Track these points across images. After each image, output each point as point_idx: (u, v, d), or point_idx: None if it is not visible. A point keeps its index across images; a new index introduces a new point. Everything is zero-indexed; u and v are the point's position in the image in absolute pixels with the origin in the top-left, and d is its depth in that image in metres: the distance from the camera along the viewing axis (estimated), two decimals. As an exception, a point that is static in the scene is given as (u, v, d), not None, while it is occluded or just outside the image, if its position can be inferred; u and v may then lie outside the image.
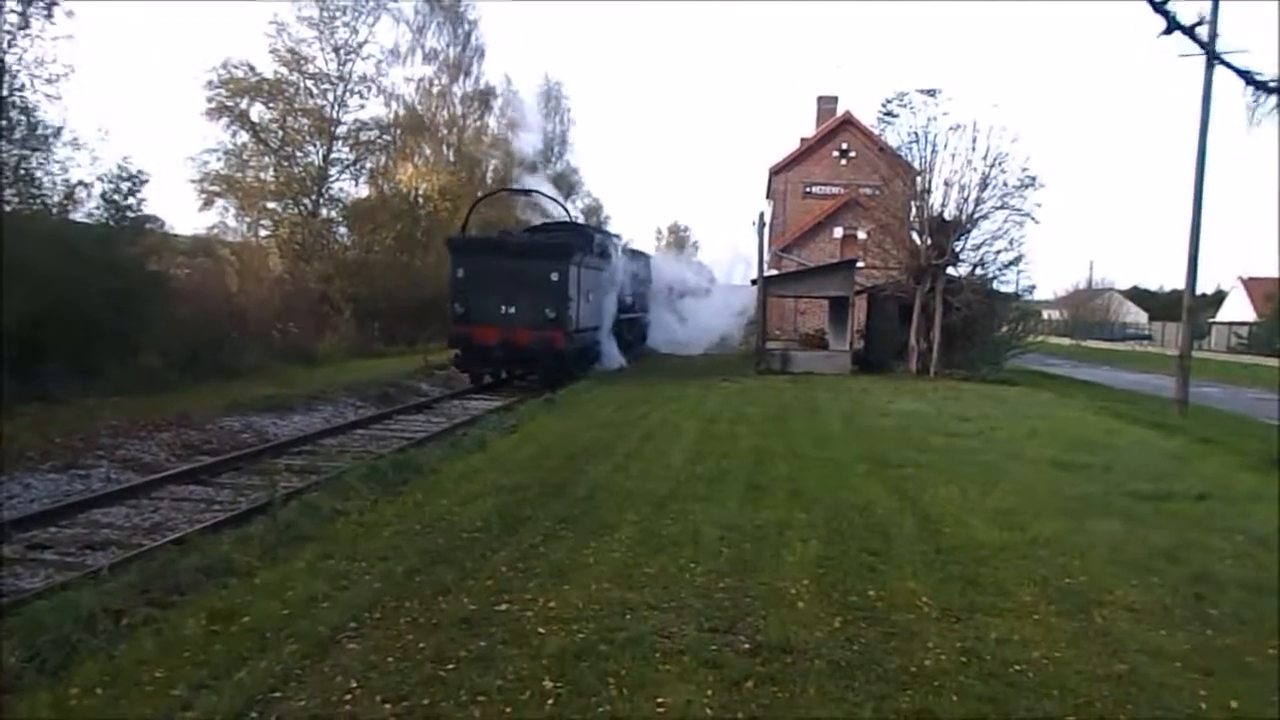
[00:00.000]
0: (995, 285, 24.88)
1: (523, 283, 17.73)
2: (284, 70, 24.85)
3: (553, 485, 8.64)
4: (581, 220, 23.01)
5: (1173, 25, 4.00)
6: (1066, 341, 56.47)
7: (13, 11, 14.46)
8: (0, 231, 12.26)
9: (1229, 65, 4.19)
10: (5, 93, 14.32)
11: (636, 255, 29.26)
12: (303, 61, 24.99)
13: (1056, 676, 4.65)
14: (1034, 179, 23.13)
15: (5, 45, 14.41)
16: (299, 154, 25.49)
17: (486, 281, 17.80)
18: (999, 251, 24.00)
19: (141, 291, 15.28)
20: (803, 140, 41.32)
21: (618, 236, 27.19)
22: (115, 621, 5.09)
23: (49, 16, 14.80)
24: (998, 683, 4.56)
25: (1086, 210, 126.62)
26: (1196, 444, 13.13)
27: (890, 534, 7.25)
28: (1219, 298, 72.91)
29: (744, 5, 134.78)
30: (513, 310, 17.79)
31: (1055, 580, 6.19)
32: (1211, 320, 64.04)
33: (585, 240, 21.16)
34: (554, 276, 17.82)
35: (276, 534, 6.81)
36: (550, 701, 4.23)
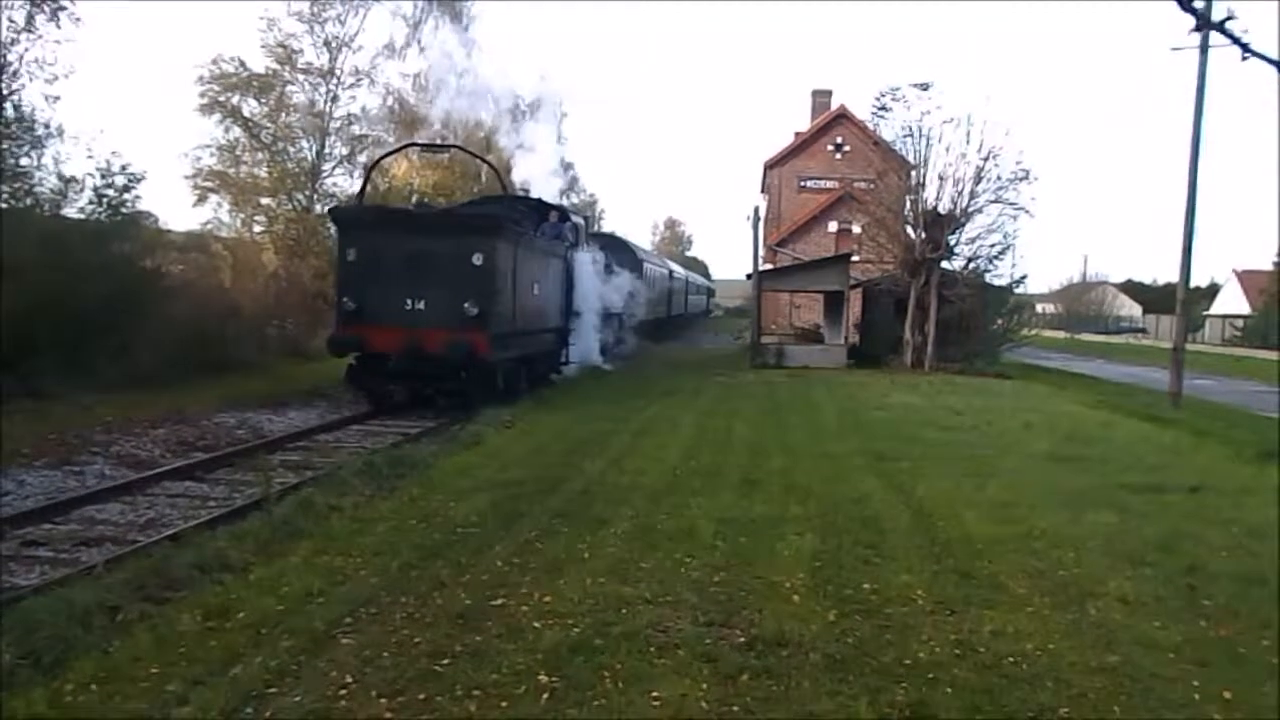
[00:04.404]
0: (989, 278, 24.95)
1: (434, 269, 13.27)
2: (275, 65, 24.77)
3: (548, 480, 8.64)
4: (538, 196, 19.27)
5: (1203, 22, 4.00)
6: (1061, 335, 56.54)
7: (20, 8, 14.44)
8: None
9: (1262, 56, 4.19)
10: (4, 90, 14.29)
11: (611, 241, 25.91)
12: (294, 56, 24.90)
13: (1050, 668, 4.67)
14: (1028, 172, 23.24)
15: (8, 44, 14.40)
16: (292, 149, 25.41)
17: (386, 267, 13.37)
18: (993, 245, 24.11)
19: (135, 288, 15.25)
20: (797, 134, 41.33)
21: (582, 216, 23.02)
22: (110, 618, 5.08)
23: (54, 20, 14.80)
24: (992, 675, 4.57)
25: (1080, 204, 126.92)
26: (1191, 436, 13.17)
27: (885, 527, 7.27)
28: (1213, 290, 73.08)
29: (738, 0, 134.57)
30: (421, 306, 13.38)
31: (1049, 573, 6.22)
32: (1206, 313, 64.19)
33: (527, 215, 16.80)
34: (477, 260, 13.28)
35: (272, 530, 6.79)
36: (546, 696, 4.23)
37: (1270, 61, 4.05)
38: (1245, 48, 3.94)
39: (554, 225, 17.89)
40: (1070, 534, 7.20)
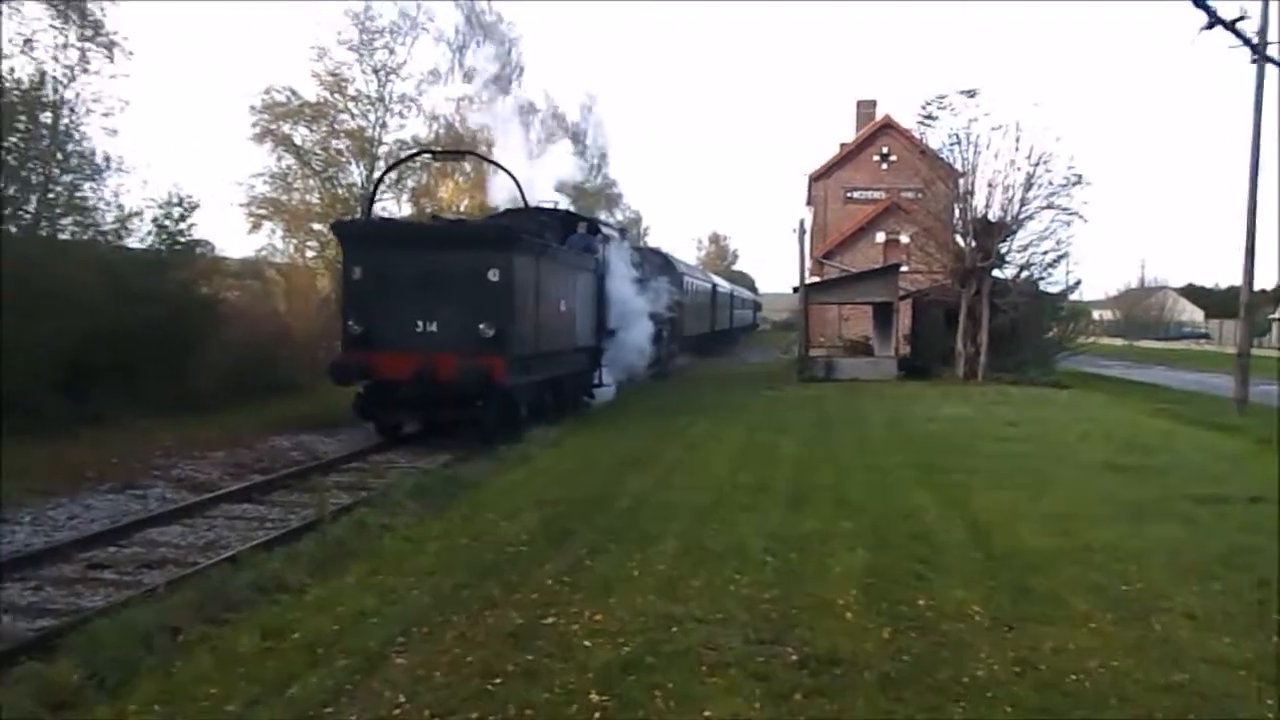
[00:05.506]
0: (1042, 285, 24.51)
1: (447, 286, 12.22)
2: (325, 93, 25.36)
3: (596, 498, 8.66)
4: (565, 206, 18.09)
5: (1214, 20, 3.94)
6: (1119, 342, 55.25)
7: (72, 47, 15.00)
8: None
9: (1271, 60, 4.08)
10: (62, 126, 14.83)
11: (649, 255, 24.20)
12: (343, 84, 25.47)
13: (1114, 686, 4.54)
14: (1080, 177, 22.81)
15: (64, 82, 14.96)
16: (341, 175, 25.94)
17: (394, 286, 12.38)
18: (1046, 252, 23.68)
19: (192, 314, 15.65)
20: (842, 145, 41.10)
21: (617, 228, 21.17)
22: (172, 638, 5.19)
23: (109, 57, 15.37)
24: (1053, 693, 4.47)
25: (1137, 207, 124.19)
26: (1257, 445, 12.76)
27: (939, 542, 7.16)
28: (1278, 294, 70.81)
29: (780, 12, 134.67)
30: (433, 327, 12.31)
31: (1111, 587, 6.07)
32: (1272, 317, 62.26)
33: (551, 227, 15.64)
34: (492, 275, 12.21)
35: (326, 550, 6.90)
36: (597, 715, 4.23)
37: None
38: (1256, 49, 3.85)
39: (583, 237, 16.80)
40: (1132, 547, 7.02)
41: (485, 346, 12.10)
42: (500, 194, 18.82)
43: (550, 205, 17.03)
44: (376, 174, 25.84)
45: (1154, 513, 8.16)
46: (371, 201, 16.94)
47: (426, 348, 12.15)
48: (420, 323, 12.33)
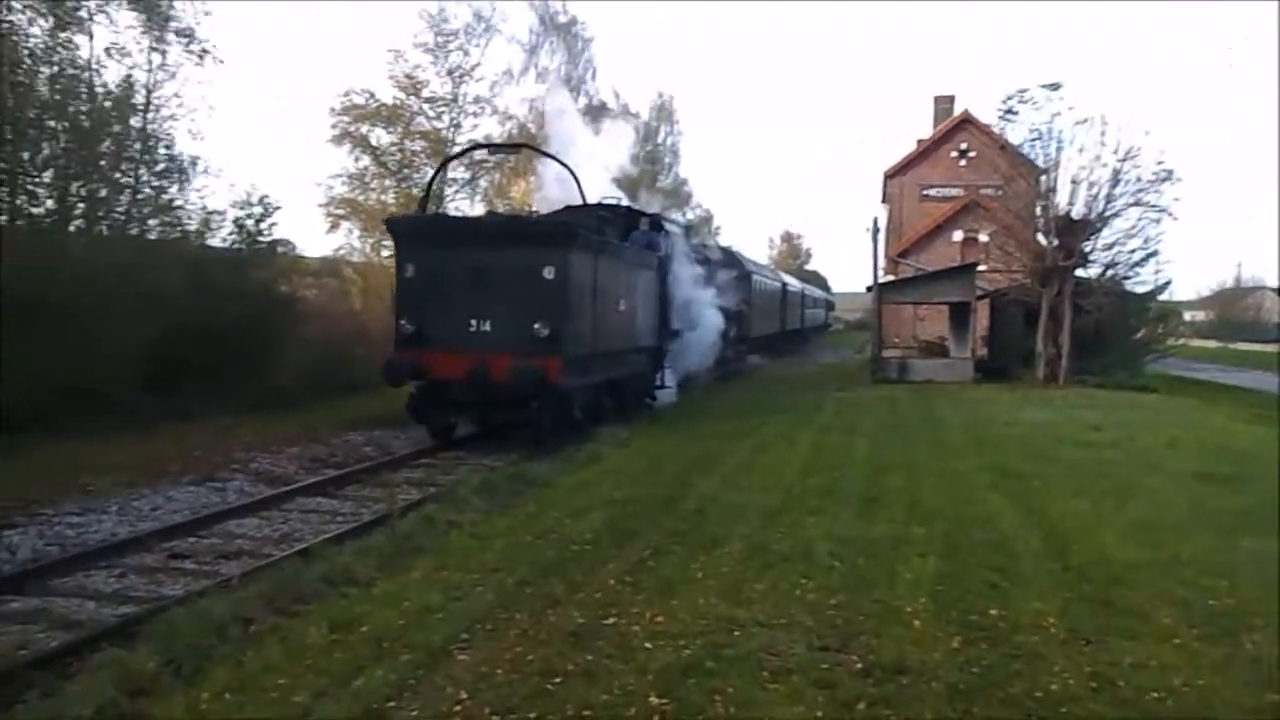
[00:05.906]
0: (1129, 285, 23.61)
1: (501, 284, 11.92)
2: (401, 95, 25.88)
3: (663, 498, 8.63)
4: (625, 201, 17.51)
5: None
6: (1212, 344, 52.94)
7: (153, 50, 15.61)
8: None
9: None
10: (151, 129, 15.44)
11: (716, 253, 22.87)
12: (419, 86, 25.95)
13: (1199, 706, 4.33)
14: (1170, 172, 21.86)
15: (152, 87, 15.59)
16: (416, 175, 26.43)
17: (447, 283, 12.08)
18: (1133, 251, 22.78)
19: (273, 312, 16.12)
20: (919, 142, 40.30)
21: (678, 224, 20.13)
22: (244, 629, 5.34)
23: (200, 63, 15.99)
24: (1132, 711, 4.28)
25: (1234, 203, 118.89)
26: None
27: (1014, 550, 6.94)
28: (1386, 294, 66.99)
29: (858, 7, 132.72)
30: (487, 326, 12.03)
31: (1199, 602, 5.78)
32: (1378, 318, 58.96)
33: (611, 223, 15.20)
34: (548, 273, 11.88)
35: (395, 545, 7.03)
36: (656, 718, 4.20)
37: None
38: None
39: (645, 234, 16.34)
40: (1222, 560, 6.68)
41: (540, 346, 11.74)
42: (560, 190, 18.38)
43: (612, 201, 16.73)
44: (447, 174, 26.27)
45: (1247, 525, 7.75)
46: (427, 197, 16.83)
47: (480, 347, 11.87)
48: (474, 321, 12.05)
